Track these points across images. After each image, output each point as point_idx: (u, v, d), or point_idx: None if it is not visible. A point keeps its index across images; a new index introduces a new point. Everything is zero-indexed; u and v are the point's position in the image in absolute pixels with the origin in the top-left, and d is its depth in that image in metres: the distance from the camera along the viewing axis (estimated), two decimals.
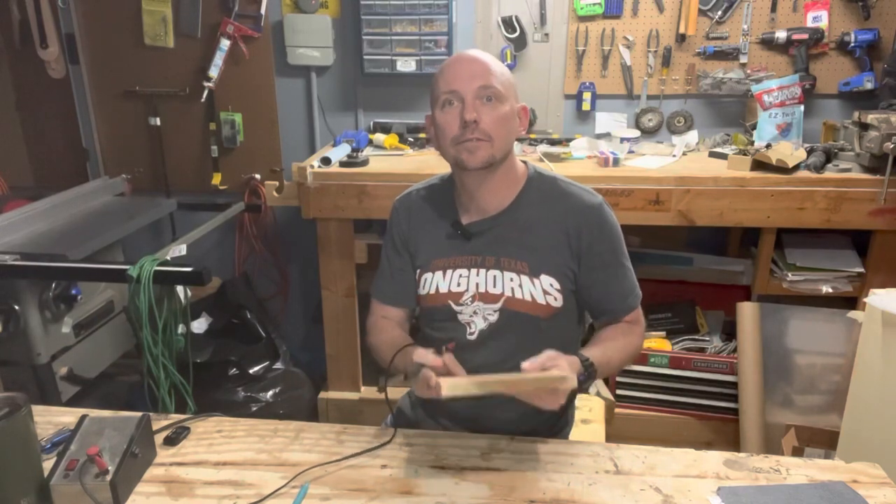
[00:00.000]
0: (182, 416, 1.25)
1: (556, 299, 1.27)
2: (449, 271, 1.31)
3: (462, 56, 1.25)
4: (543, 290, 1.26)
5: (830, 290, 2.28)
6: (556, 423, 1.41)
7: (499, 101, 1.21)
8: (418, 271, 1.35)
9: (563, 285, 1.27)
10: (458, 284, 1.30)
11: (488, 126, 1.20)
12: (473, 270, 1.29)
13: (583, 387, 1.16)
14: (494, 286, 1.28)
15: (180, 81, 2.80)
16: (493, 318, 1.29)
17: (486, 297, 1.28)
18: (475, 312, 1.30)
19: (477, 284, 1.28)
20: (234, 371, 2.48)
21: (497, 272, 1.27)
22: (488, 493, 1.05)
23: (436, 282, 1.32)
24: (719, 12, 2.50)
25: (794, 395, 2.32)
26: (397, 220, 1.40)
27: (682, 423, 2.41)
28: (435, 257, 1.33)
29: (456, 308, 1.30)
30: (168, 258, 1.98)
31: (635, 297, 1.33)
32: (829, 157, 2.25)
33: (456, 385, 1.03)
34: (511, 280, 1.27)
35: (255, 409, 2.43)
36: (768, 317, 2.29)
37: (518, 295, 1.26)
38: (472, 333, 1.30)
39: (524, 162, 1.36)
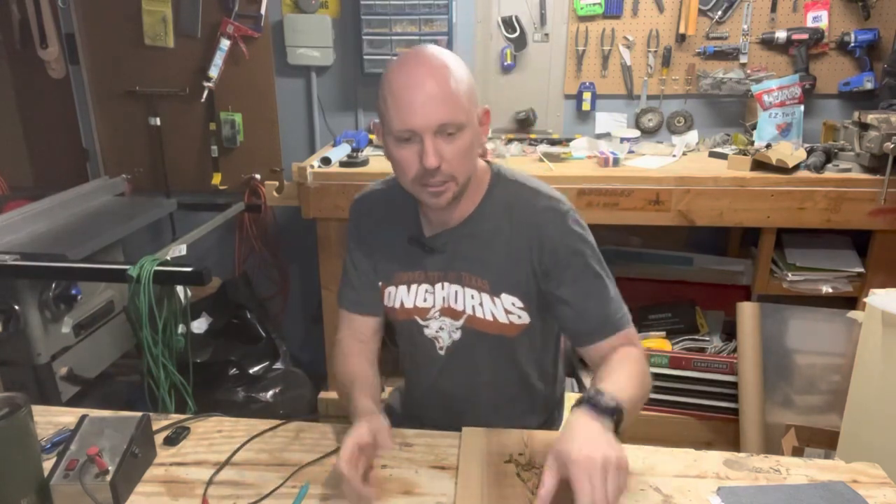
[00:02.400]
0: (182, 416, 1.25)
1: (520, 317, 1.19)
2: (413, 286, 1.24)
3: (414, 77, 1.04)
4: (505, 310, 1.18)
5: (830, 290, 2.28)
6: (548, 418, 1.40)
7: (461, 130, 1.06)
8: (381, 283, 1.28)
9: (527, 303, 1.18)
10: (425, 300, 1.23)
11: (451, 166, 1.07)
12: (438, 285, 1.22)
13: (618, 422, 0.95)
14: (456, 302, 1.21)
15: (180, 81, 2.80)
16: (457, 335, 1.24)
17: (451, 313, 1.22)
18: (441, 328, 1.24)
19: (443, 298, 1.22)
20: (234, 371, 2.48)
21: (458, 287, 1.20)
22: None
23: (400, 296, 1.25)
24: (719, 12, 2.50)
25: (794, 395, 2.31)
26: (358, 223, 1.31)
27: (682, 423, 2.41)
28: (397, 270, 1.25)
29: (422, 323, 1.25)
30: (168, 258, 1.98)
31: (622, 316, 1.17)
32: (829, 157, 2.25)
33: None
34: (472, 297, 1.19)
35: (255, 409, 2.43)
36: (768, 317, 2.28)
37: (479, 314, 1.20)
38: (441, 349, 1.26)
39: (488, 164, 1.24)
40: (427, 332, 1.26)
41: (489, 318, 1.19)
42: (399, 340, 1.35)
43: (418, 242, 1.22)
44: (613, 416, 0.93)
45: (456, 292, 1.20)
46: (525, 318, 1.19)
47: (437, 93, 1.03)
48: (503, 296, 1.18)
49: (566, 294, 1.15)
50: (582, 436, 0.88)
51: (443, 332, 1.24)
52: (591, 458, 0.84)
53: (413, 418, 1.38)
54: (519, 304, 1.18)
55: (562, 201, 1.18)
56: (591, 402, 0.94)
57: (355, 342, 1.31)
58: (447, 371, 1.27)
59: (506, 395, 1.31)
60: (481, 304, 1.19)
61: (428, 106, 1.03)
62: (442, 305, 1.22)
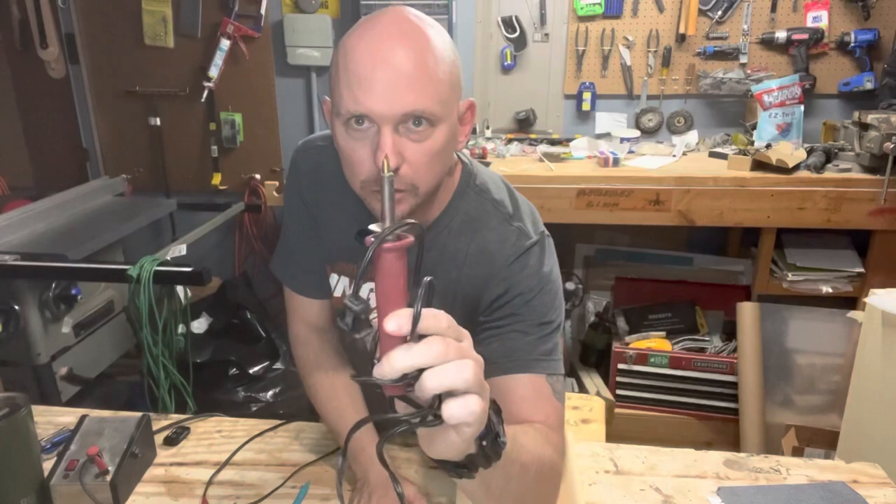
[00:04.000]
0: (182, 416, 1.25)
1: None
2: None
3: (380, 44, 0.77)
4: None
5: (830, 290, 2.28)
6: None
7: (433, 126, 0.80)
8: (327, 266, 1.07)
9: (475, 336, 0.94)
10: (367, 298, 1.01)
11: (414, 172, 0.81)
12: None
13: (474, 462, 0.62)
14: None
15: (180, 81, 2.80)
16: None
17: None
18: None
19: None
20: (234, 371, 2.48)
21: None
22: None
23: (342, 286, 1.06)
24: (719, 12, 2.50)
25: (794, 395, 2.31)
26: (302, 182, 1.04)
27: (682, 423, 2.41)
28: (342, 258, 1.04)
29: None
30: (168, 258, 1.98)
31: (542, 362, 0.90)
32: (829, 157, 2.25)
33: None
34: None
35: (255, 409, 2.43)
36: (768, 317, 2.28)
37: None
38: (378, 358, 1.04)
39: (461, 160, 0.99)
40: (358, 336, 1.06)
41: None
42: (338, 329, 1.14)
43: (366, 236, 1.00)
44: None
45: None
46: None
47: (409, 70, 0.77)
48: None
49: (490, 330, 0.92)
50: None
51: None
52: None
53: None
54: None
55: (531, 233, 0.95)
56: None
57: (315, 338, 1.12)
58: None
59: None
60: None
61: (394, 87, 0.77)
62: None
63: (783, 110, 2.42)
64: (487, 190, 0.98)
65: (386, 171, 0.62)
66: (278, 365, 2.61)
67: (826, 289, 2.28)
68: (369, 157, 0.80)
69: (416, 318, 0.55)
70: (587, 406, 1.95)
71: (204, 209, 2.83)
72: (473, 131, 2.39)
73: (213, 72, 2.72)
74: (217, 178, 2.90)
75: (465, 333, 0.60)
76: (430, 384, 0.54)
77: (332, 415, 1.08)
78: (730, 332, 2.48)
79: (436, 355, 0.55)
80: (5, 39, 2.86)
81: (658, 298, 2.57)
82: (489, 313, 0.93)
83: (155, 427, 1.18)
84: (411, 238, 0.59)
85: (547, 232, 0.98)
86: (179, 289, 1.94)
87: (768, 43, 2.50)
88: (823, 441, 2.10)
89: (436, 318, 0.56)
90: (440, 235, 0.96)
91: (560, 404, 0.91)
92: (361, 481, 1.04)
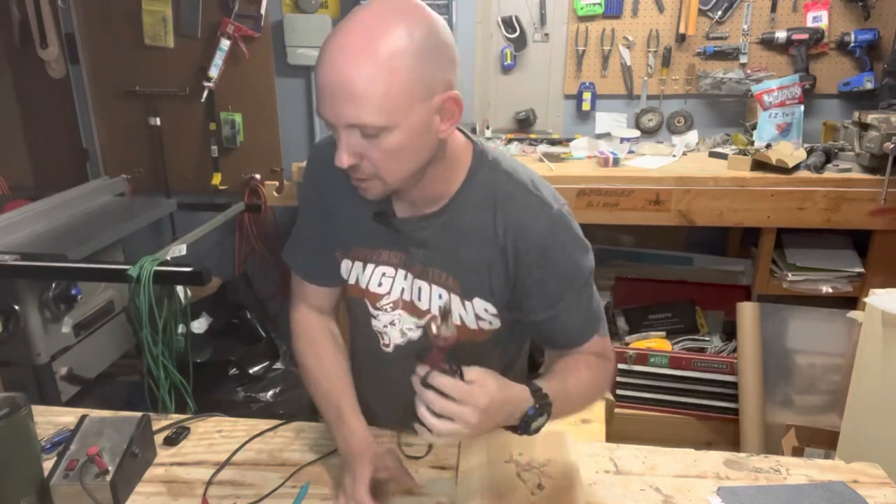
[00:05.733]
0: (182, 416, 1.25)
1: (491, 323, 1.05)
2: (370, 265, 1.07)
3: (335, 56, 0.82)
4: (476, 315, 1.04)
5: (830, 290, 2.28)
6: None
7: (385, 132, 0.85)
8: (338, 253, 1.11)
9: (500, 310, 1.04)
10: (380, 284, 1.07)
11: (374, 166, 0.88)
12: (401, 272, 1.06)
13: (532, 426, 0.91)
14: (419, 299, 1.05)
15: (180, 81, 2.80)
16: (414, 334, 1.08)
17: (411, 309, 1.06)
18: (392, 323, 1.09)
19: (402, 290, 1.06)
20: (234, 371, 2.48)
21: (423, 283, 1.04)
22: None
23: (356, 273, 1.09)
24: (719, 12, 2.50)
25: (794, 395, 2.32)
26: (318, 174, 1.11)
27: (682, 423, 2.41)
28: (357, 244, 1.08)
29: (371, 311, 1.10)
30: (168, 258, 1.98)
31: (595, 327, 1.06)
32: (829, 157, 2.25)
33: None
34: (440, 297, 1.03)
35: (255, 409, 2.43)
36: (768, 317, 2.28)
37: None
38: (386, 345, 1.11)
39: (471, 140, 1.03)
40: (375, 322, 1.10)
41: (456, 321, 1.03)
42: (348, 317, 1.19)
43: (385, 221, 1.03)
44: (537, 393, 0.92)
45: (420, 289, 1.05)
46: (496, 324, 1.05)
47: (351, 85, 0.81)
48: (476, 300, 1.03)
49: (538, 304, 1.02)
50: (500, 398, 0.87)
51: (392, 329, 1.09)
52: (484, 410, 0.84)
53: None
54: (492, 310, 1.04)
55: (554, 200, 1.01)
56: (531, 387, 0.93)
57: (316, 320, 1.17)
58: (396, 372, 1.04)
59: None
60: (450, 306, 1.04)
61: (339, 100, 0.83)
62: (399, 297, 1.07)
63: (783, 110, 2.42)
64: (504, 169, 1.01)
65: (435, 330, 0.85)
66: (278, 365, 2.61)
67: (826, 289, 2.28)
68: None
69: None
70: None
71: (204, 209, 2.83)
72: (473, 131, 2.39)
73: (213, 72, 2.72)
74: (217, 178, 2.90)
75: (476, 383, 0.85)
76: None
77: (322, 397, 1.12)
78: (730, 332, 2.48)
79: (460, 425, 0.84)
80: (5, 39, 2.86)
81: (658, 298, 2.57)
82: (539, 285, 1.01)
83: (155, 427, 1.18)
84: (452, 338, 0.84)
85: (563, 199, 1.04)
86: (179, 289, 1.94)
87: (768, 43, 2.50)
88: (823, 441, 2.10)
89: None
90: (462, 213, 1.00)
91: (606, 336, 1.08)
92: (343, 457, 1.05)
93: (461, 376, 0.84)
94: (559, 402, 0.93)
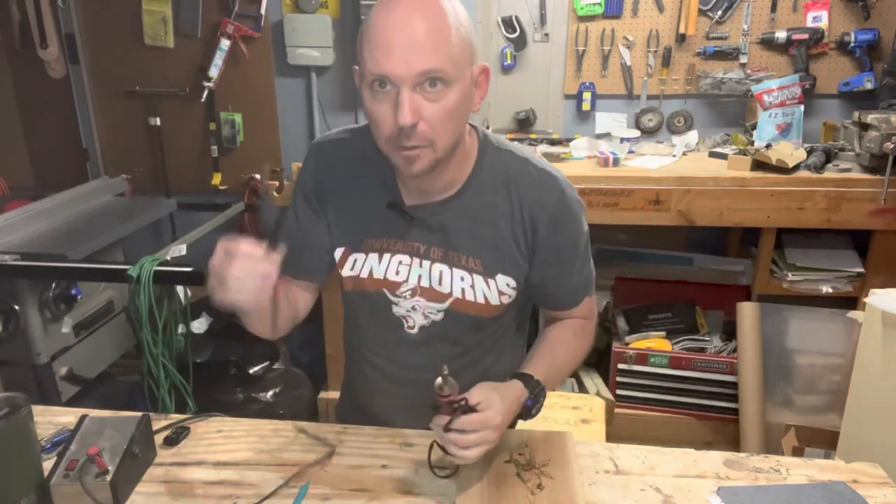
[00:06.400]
0: (182, 416, 1.25)
1: (510, 297, 1.12)
2: (386, 255, 1.10)
3: (398, 12, 0.90)
4: (499, 291, 1.10)
5: (830, 290, 2.28)
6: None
7: (447, 87, 0.92)
8: (343, 250, 1.13)
9: (519, 282, 1.11)
10: (398, 273, 1.10)
11: (431, 128, 0.93)
12: (416, 260, 1.09)
13: (531, 412, 1.06)
14: (440, 284, 1.09)
15: (180, 81, 2.80)
16: (438, 317, 1.12)
17: (430, 295, 1.10)
18: (414, 308, 1.12)
19: (419, 277, 1.10)
20: (234, 371, 2.48)
21: (444, 268, 1.08)
22: None
23: (370, 265, 1.11)
24: (719, 12, 2.50)
25: (794, 395, 2.32)
26: (313, 171, 1.14)
27: (682, 423, 2.41)
28: (368, 236, 1.11)
29: (391, 298, 1.12)
30: (168, 258, 1.98)
31: (589, 289, 1.18)
32: (829, 157, 2.25)
33: None
34: (462, 279, 1.08)
35: (255, 409, 2.43)
36: (768, 317, 2.28)
37: (469, 296, 1.09)
38: (411, 328, 1.14)
39: (473, 127, 1.09)
40: (396, 309, 1.13)
41: (480, 300, 1.09)
42: (355, 317, 1.21)
43: (399, 210, 1.08)
44: (532, 386, 1.05)
45: (441, 273, 1.09)
46: (513, 296, 1.12)
47: (424, 35, 0.88)
48: (498, 277, 1.09)
49: (547, 274, 1.12)
50: (506, 407, 0.99)
51: (415, 313, 1.12)
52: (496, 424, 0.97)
53: (360, 410, 1.28)
54: (513, 283, 1.10)
55: (557, 173, 1.09)
56: (522, 378, 1.06)
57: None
58: (414, 354, 1.15)
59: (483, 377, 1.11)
60: (472, 286, 1.09)
61: (410, 50, 0.88)
62: (417, 284, 1.10)
63: (783, 110, 2.43)
64: (507, 149, 1.10)
65: None
66: (278, 365, 2.60)
67: (826, 289, 2.28)
68: (391, 115, 0.91)
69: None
70: (587, 406, 1.96)
71: (204, 209, 2.83)
72: None
73: (213, 72, 2.72)
74: (217, 178, 2.90)
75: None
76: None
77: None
78: (730, 332, 2.48)
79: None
80: (5, 39, 2.86)
81: (658, 298, 2.57)
82: (549, 252, 1.09)
83: (155, 427, 1.18)
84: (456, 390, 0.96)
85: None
86: (179, 289, 1.95)
87: (768, 43, 2.50)
88: (823, 441, 2.10)
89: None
90: (477, 195, 1.07)
91: (594, 295, 1.21)
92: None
93: (467, 403, 0.96)
94: (550, 379, 1.09)
